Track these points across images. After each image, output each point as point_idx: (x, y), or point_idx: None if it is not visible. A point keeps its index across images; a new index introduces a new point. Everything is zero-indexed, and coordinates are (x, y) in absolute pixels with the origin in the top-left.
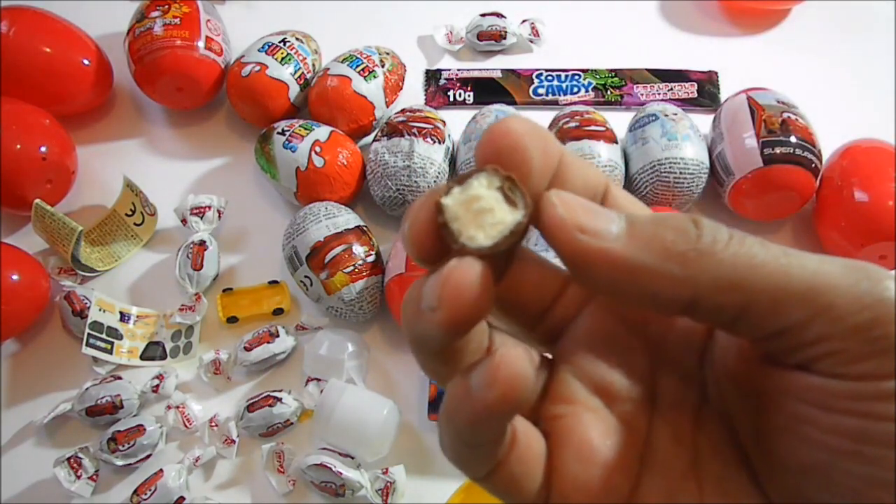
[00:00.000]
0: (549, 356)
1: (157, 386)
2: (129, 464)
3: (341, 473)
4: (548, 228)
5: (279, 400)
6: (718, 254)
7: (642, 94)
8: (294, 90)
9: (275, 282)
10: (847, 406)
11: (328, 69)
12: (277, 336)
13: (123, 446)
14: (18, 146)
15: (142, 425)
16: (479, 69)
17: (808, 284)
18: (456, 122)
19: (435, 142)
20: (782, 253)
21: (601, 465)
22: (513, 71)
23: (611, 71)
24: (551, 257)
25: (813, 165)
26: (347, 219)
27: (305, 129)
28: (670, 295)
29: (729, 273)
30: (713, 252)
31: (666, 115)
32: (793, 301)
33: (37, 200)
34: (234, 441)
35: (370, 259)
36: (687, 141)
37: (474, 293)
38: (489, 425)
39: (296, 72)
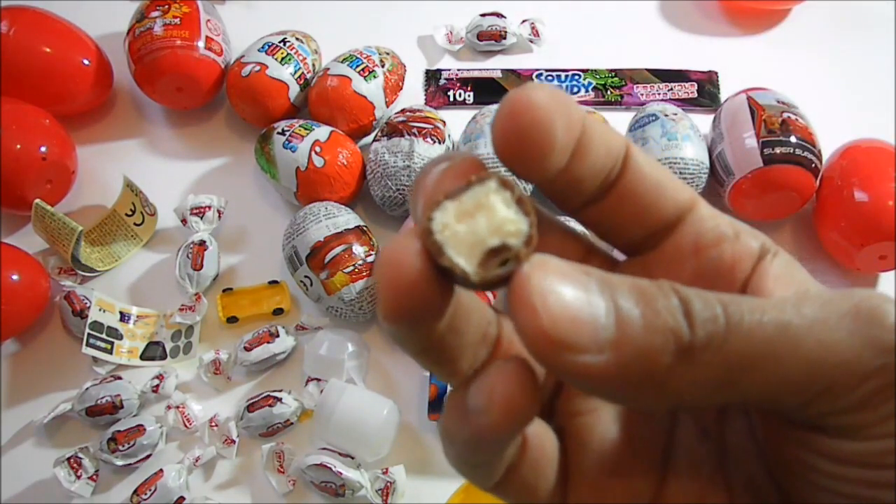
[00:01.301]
0: None
1: (157, 386)
2: (129, 464)
3: (341, 473)
4: (527, 337)
5: (279, 400)
6: (710, 361)
7: (642, 94)
8: (294, 90)
9: (275, 282)
10: (868, 461)
11: (328, 69)
12: (277, 336)
13: (123, 446)
14: (18, 146)
15: (142, 425)
16: (479, 69)
17: (805, 370)
18: (456, 122)
19: (435, 142)
20: (779, 328)
21: (622, 468)
22: (513, 71)
23: (611, 71)
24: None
25: (813, 165)
26: (347, 219)
27: (305, 129)
28: (653, 406)
29: (718, 376)
30: (703, 361)
31: (666, 115)
32: (790, 390)
33: (37, 200)
34: (234, 441)
35: (370, 259)
36: (687, 141)
37: (524, 405)
38: (488, 448)
39: (296, 72)
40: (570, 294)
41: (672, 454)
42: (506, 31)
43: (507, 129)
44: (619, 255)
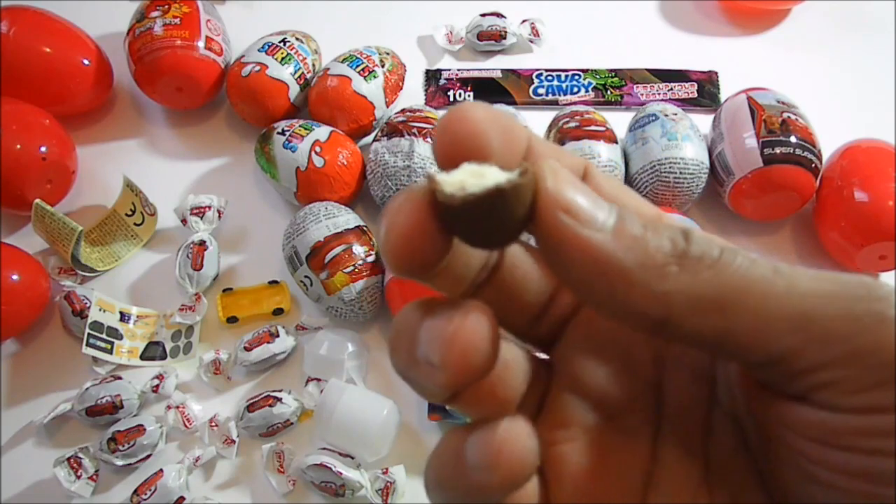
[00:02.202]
0: (545, 357)
1: (157, 386)
2: (129, 464)
3: (341, 473)
4: (537, 201)
5: (279, 400)
6: (701, 272)
7: (642, 94)
8: (294, 90)
9: (275, 282)
10: (851, 443)
11: (328, 69)
12: (277, 336)
13: (123, 446)
14: (18, 146)
15: (142, 425)
16: (479, 69)
17: (798, 309)
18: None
19: None
20: (772, 272)
21: (601, 497)
22: (513, 71)
23: (611, 71)
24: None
25: (813, 165)
26: (347, 219)
27: (305, 129)
28: (641, 309)
29: (708, 294)
30: (695, 270)
31: (666, 115)
32: (781, 327)
33: (37, 200)
34: (234, 441)
35: (370, 259)
36: (687, 141)
37: (481, 358)
38: (482, 500)
39: (296, 72)
40: (581, 189)
41: (655, 474)
42: (506, 31)
43: (443, 141)
44: None
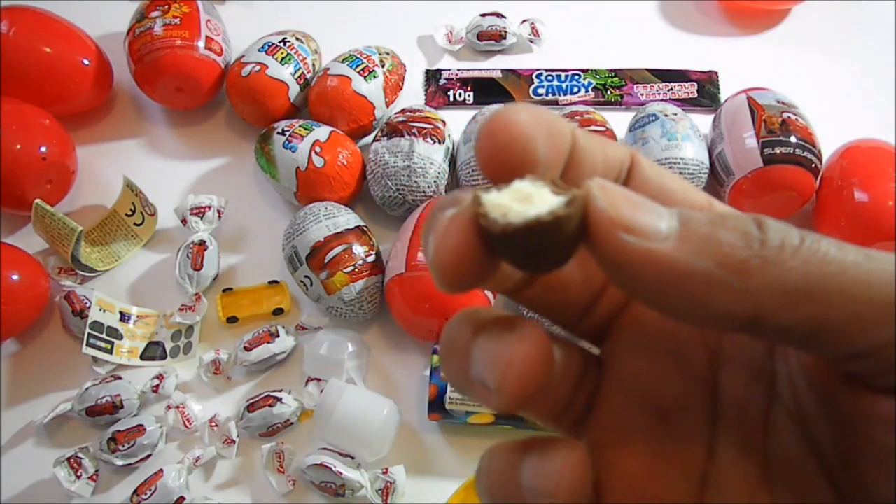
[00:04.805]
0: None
1: (157, 386)
2: (129, 464)
3: (341, 473)
4: (587, 223)
5: (279, 400)
6: (787, 262)
7: (642, 94)
8: (294, 90)
9: (275, 282)
10: None
11: (328, 69)
12: (277, 336)
13: (123, 446)
14: (18, 146)
15: (142, 425)
16: (479, 69)
17: (894, 296)
18: (456, 122)
19: (435, 142)
20: (864, 257)
21: (657, 499)
22: (513, 71)
23: (611, 71)
24: None
25: (813, 165)
26: (347, 219)
27: (305, 129)
28: (727, 310)
29: (799, 284)
30: (780, 260)
31: (666, 115)
32: (876, 317)
33: (37, 200)
34: (234, 441)
35: (370, 259)
36: (687, 141)
37: (538, 384)
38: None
39: (296, 72)
40: (636, 200)
41: (711, 475)
42: (506, 31)
43: (487, 148)
44: None
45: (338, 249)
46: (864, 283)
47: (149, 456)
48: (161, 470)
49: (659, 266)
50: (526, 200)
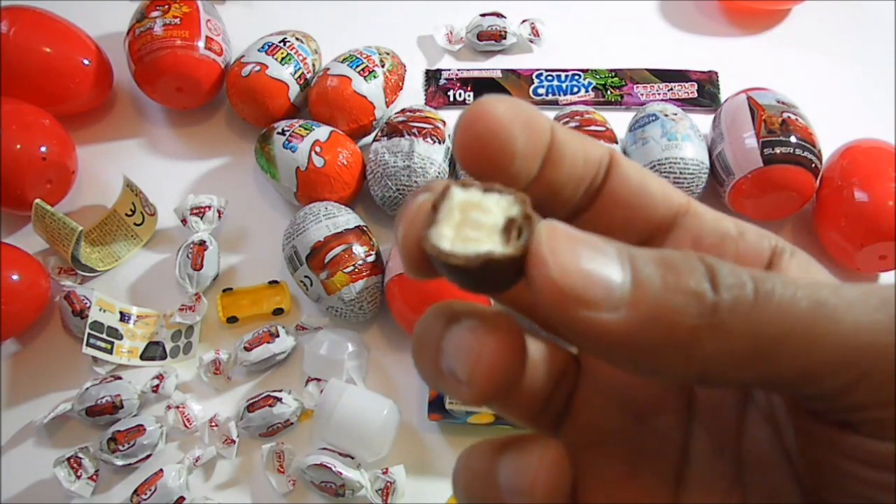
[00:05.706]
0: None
1: (157, 386)
2: (129, 464)
3: (341, 473)
4: (539, 293)
5: (279, 400)
6: (737, 327)
7: (642, 94)
8: (294, 90)
9: (275, 282)
10: None
11: (328, 69)
12: (277, 336)
13: (123, 446)
14: (18, 146)
15: (142, 425)
16: (479, 69)
17: (850, 346)
18: (456, 122)
19: (435, 142)
20: (815, 304)
21: (632, 499)
22: (513, 71)
23: (611, 71)
24: None
25: (813, 165)
26: (347, 219)
27: (305, 129)
28: (675, 372)
29: (748, 347)
30: (731, 326)
31: (666, 115)
32: (829, 369)
33: (37, 200)
34: (234, 441)
35: (370, 259)
36: (687, 141)
37: (509, 376)
38: None
39: (296, 72)
40: (584, 252)
41: (685, 475)
42: (506, 31)
43: (465, 139)
44: None
45: (338, 249)
46: (814, 336)
47: (149, 456)
48: (161, 470)
49: (611, 336)
50: (476, 228)
